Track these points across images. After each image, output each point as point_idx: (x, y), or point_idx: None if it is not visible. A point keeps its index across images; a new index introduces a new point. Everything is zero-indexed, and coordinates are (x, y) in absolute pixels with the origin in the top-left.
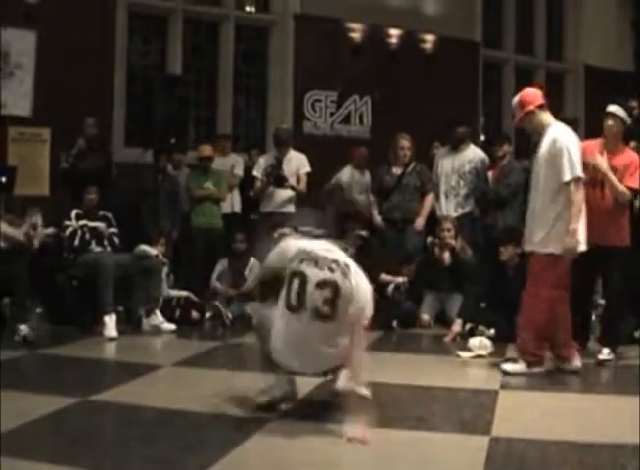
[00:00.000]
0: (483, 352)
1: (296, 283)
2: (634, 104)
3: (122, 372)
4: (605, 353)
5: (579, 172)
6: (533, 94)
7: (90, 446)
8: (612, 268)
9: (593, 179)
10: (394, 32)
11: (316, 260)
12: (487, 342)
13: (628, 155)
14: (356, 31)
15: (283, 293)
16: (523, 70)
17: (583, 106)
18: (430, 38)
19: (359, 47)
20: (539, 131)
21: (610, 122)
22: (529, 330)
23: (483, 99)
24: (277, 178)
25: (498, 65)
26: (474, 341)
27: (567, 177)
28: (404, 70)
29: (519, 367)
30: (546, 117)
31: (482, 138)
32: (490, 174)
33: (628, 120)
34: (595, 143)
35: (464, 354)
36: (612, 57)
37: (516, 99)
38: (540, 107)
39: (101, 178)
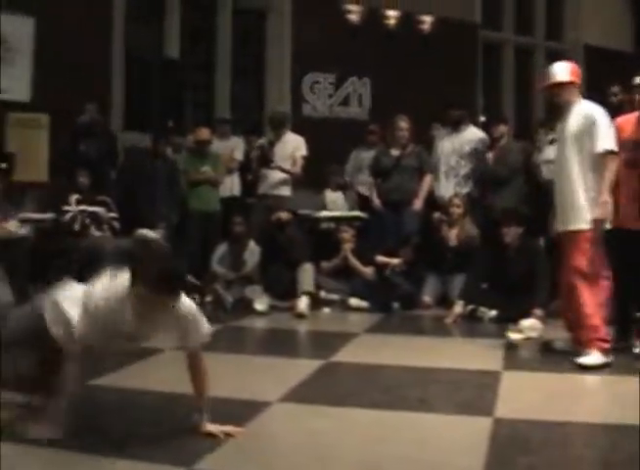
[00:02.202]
0: (534, 335)
1: None
2: (615, 89)
3: (125, 356)
4: None
5: (613, 145)
6: (580, 71)
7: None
8: None
9: (632, 159)
10: (392, 14)
11: None
12: (538, 324)
13: None
14: (354, 13)
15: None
16: (522, 50)
17: (584, 85)
18: (428, 19)
19: (357, 28)
20: (567, 104)
21: None
22: (597, 315)
23: (483, 80)
24: (262, 160)
25: (497, 46)
26: (526, 323)
27: (601, 149)
28: (403, 52)
29: (597, 358)
30: (578, 94)
31: (482, 119)
32: (490, 155)
33: None
34: (632, 117)
35: (514, 336)
36: (611, 37)
37: (566, 64)
38: (579, 86)
39: (106, 161)
